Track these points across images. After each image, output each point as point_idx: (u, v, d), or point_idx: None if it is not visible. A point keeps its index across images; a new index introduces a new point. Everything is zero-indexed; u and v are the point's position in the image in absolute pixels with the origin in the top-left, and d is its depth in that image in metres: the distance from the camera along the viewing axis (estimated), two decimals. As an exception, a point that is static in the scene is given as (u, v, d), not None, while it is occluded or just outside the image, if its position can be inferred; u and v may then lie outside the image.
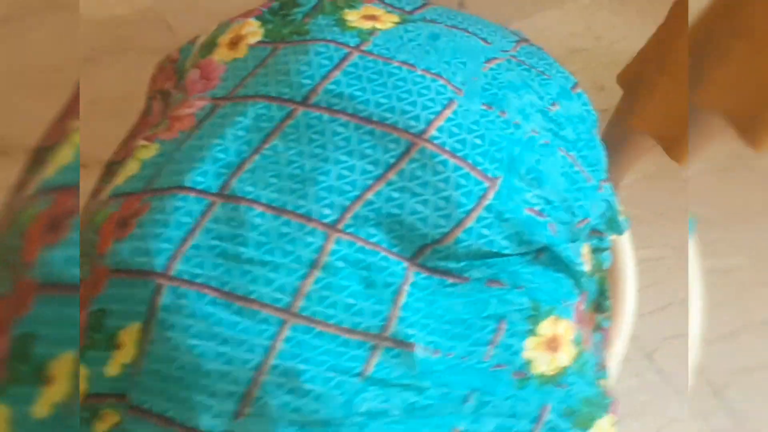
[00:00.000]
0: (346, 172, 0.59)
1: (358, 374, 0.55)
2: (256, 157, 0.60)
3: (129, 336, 0.56)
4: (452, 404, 0.58)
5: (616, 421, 0.65)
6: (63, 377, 0.50)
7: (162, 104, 0.76)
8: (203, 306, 0.55)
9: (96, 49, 1.28)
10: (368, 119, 0.60)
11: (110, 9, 1.32)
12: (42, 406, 0.49)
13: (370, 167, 0.59)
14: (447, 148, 0.59)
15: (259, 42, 0.67)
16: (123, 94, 1.23)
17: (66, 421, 0.49)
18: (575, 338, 0.64)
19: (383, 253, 0.59)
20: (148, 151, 0.64)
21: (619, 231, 0.74)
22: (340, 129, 0.60)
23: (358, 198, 0.59)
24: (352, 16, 0.68)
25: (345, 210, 0.59)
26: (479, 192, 0.60)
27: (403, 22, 0.68)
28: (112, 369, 0.57)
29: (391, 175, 0.59)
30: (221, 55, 0.68)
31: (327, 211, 0.58)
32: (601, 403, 0.64)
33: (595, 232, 0.71)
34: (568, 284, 0.65)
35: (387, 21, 0.68)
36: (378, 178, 0.59)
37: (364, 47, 0.64)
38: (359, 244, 0.58)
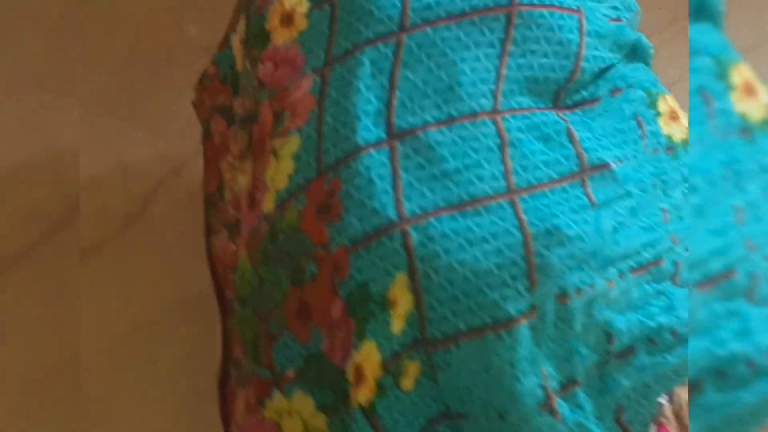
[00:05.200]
0: (475, 64, 0.65)
1: (589, 205, 0.63)
2: (397, 93, 0.65)
3: (399, 288, 0.61)
4: (650, 193, 0.68)
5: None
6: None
7: (223, 120, 0.77)
8: (447, 225, 0.61)
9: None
10: (462, 13, 0.66)
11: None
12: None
13: (489, 50, 0.66)
14: (534, 2, 0.67)
15: (311, 7, 0.70)
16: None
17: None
18: (677, 104, 0.76)
19: (538, 111, 0.66)
20: (291, 145, 0.66)
21: None
22: (446, 33, 0.66)
23: (497, 78, 0.66)
24: None
25: (494, 93, 0.65)
26: (576, 24, 0.68)
27: None
28: (397, 325, 0.61)
29: (509, 47, 0.66)
30: (283, 37, 0.70)
31: (483, 101, 0.65)
32: None
33: None
34: (649, 69, 0.77)
35: None
36: (501, 55, 0.66)
37: None
38: (519, 113, 0.66)
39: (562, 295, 0.61)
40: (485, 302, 0.60)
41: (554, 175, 0.64)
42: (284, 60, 0.69)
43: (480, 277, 0.60)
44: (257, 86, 0.71)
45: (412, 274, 0.61)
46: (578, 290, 0.61)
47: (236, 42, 0.75)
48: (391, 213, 0.61)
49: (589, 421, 0.63)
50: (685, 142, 0.73)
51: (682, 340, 0.65)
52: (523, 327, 0.60)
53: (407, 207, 0.61)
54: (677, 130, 0.73)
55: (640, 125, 0.70)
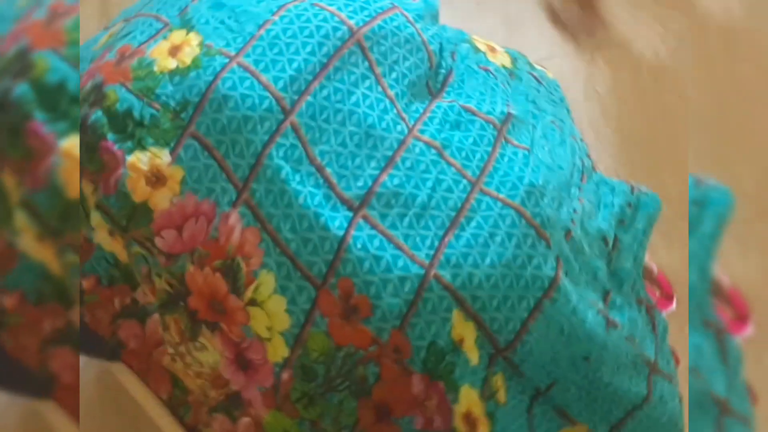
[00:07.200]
0: (368, 101, 0.65)
1: (527, 153, 0.68)
2: (328, 170, 0.62)
3: (459, 324, 0.62)
4: (539, 117, 0.75)
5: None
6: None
7: (133, 321, 0.67)
8: (459, 245, 0.62)
9: None
10: (324, 66, 0.64)
11: None
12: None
13: (367, 82, 0.66)
14: (367, 20, 0.67)
15: (173, 150, 0.62)
16: None
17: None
18: (480, 37, 0.83)
19: (432, 107, 0.69)
20: (267, 284, 0.60)
21: None
22: (326, 91, 0.64)
23: (392, 102, 0.66)
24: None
25: (399, 115, 0.66)
26: (403, 19, 0.70)
27: None
28: (473, 355, 0.62)
29: (378, 70, 0.67)
30: (166, 198, 0.61)
31: (400, 127, 0.66)
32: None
33: None
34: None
35: None
36: (378, 81, 0.66)
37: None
38: (425, 118, 0.68)
39: (567, 233, 0.66)
40: (528, 281, 0.63)
41: (488, 147, 0.67)
42: (185, 217, 0.61)
43: (511, 265, 0.62)
44: (166, 261, 0.62)
45: (462, 305, 0.61)
46: (573, 220, 0.67)
47: (103, 237, 0.63)
48: (416, 269, 0.60)
49: (632, 312, 0.71)
50: (514, 65, 0.81)
51: (635, 206, 0.75)
52: (563, 278, 0.64)
53: (422, 254, 0.61)
54: (501, 58, 0.80)
55: (488, 71, 0.76)
